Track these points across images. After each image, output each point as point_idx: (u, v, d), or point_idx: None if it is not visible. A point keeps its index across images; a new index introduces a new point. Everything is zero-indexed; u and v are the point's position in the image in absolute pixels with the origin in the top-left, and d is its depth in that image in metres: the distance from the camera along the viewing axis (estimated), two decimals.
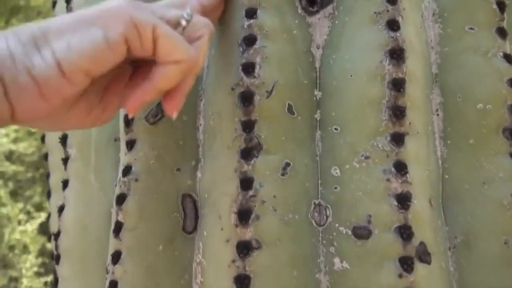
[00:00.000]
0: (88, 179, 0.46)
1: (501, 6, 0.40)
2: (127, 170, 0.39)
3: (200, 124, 0.40)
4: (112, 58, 0.28)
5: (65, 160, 0.47)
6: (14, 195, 2.09)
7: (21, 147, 2.06)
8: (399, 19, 0.36)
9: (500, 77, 0.39)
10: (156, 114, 0.40)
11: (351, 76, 0.36)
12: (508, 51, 0.40)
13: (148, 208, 0.39)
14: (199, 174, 0.39)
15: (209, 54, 0.39)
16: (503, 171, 0.38)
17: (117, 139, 0.45)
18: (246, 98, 0.35)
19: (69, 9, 0.47)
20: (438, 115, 0.39)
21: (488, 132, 0.38)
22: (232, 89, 0.36)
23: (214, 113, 0.38)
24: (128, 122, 0.40)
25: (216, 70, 0.38)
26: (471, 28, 0.40)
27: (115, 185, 0.44)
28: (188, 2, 0.33)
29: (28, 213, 1.98)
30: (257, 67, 0.36)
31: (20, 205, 1.94)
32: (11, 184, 2.05)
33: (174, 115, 0.32)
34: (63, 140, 0.47)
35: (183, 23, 0.30)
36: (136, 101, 0.30)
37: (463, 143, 0.39)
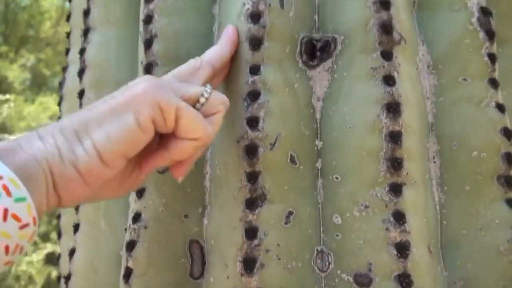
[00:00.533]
0: (98, 223, 0.48)
1: (492, 58, 0.42)
2: (136, 217, 0.41)
3: (207, 172, 0.42)
4: (143, 138, 0.31)
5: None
6: None
7: None
8: (395, 74, 0.38)
9: (493, 126, 0.40)
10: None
11: (350, 128, 0.38)
12: (501, 101, 0.42)
13: (157, 254, 0.40)
14: (205, 221, 0.41)
15: None
16: (499, 217, 0.39)
17: None
18: (251, 151, 0.37)
19: (81, 69, 0.50)
20: (435, 162, 0.41)
21: (483, 179, 0.40)
22: (238, 141, 0.38)
23: (220, 162, 0.40)
24: None
25: (222, 122, 0.40)
26: (465, 79, 0.42)
27: (124, 229, 0.45)
28: (202, 68, 0.36)
29: (34, 243, 1.98)
30: (261, 121, 0.38)
31: None
32: None
33: (180, 179, 0.35)
34: None
35: (202, 100, 0.33)
36: (150, 167, 0.34)
37: (460, 190, 0.40)
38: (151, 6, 0.44)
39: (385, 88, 0.38)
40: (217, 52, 0.38)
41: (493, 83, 0.42)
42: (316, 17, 0.43)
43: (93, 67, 0.49)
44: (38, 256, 1.86)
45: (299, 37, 0.41)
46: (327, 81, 0.41)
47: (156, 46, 0.43)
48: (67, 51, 0.60)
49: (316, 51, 0.41)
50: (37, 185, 0.27)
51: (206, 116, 0.33)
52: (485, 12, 0.43)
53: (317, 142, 0.40)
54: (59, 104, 0.59)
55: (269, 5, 0.40)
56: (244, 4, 0.40)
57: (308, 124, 0.40)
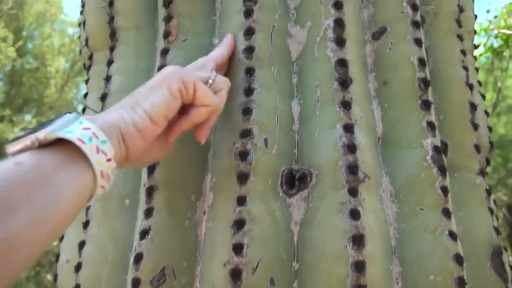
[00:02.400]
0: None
1: (445, 191, 0.49)
2: None
3: (197, 287, 0.47)
4: (175, 104, 0.43)
5: None
6: None
7: None
8: (360, 209, 0.45)
9: (446, 253, 0.47)
10: (160, 278, 0.47)
11: (322, 254, 0.44)
12: (454, 229, 0.48)
13: None
14: None
15: (206, 226, 0.48)
16: None
17: None
18: (235, 275, 0.43)
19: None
20: (398, 283, 0.47)
21: None
22: (224, 265, 0.44)
23: (209, 280, 0.45)
24: (135, 286, 0.47)
25: (211, 243, 0.46)
26: (422, 209, 0.49)
27: None
28: (208, 62, 0.49)
29: None
30: (245, 247, 0.44)
31: None
32: None
33: (203, 141, 0.47)
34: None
35: (210, 81, 0.47)
36: (177, 129, 0.46)
37: None
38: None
39: (351, 222, 0.44)
40: (219, 52, 0.51)
41: (446, 213, 0.48)
42: (295, 151, 0.50)
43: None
44: None
45: (281, 170, 0.48)
46: (303, 209, 0.47)
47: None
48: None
49: (295, 180, 0.49)
50: (111, 138, 0.38)
51: (214, 92, 0.46)
52: (437, 150, 0.51)
53: (294, 264, 0.46)
54: None
55: (255, 144, 0.47)
56: (234, 143, 0.48)
57: (287, 247, 0.46)
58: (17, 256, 0.29)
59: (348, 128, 0.48)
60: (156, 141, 0.44)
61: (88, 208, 0.56)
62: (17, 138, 0.35)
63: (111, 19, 0.64)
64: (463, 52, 0.61)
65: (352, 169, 0.46)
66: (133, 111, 0.41)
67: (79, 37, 0.75)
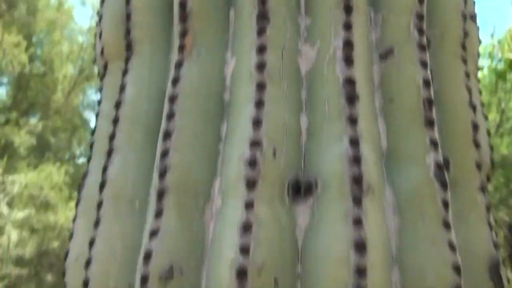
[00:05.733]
0: None
1: (445, 204, 0.51)
2: None
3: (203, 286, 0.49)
4: None
5: None
6: None
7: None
8: (363, 218, 0.47)
9: (445, 262, 0.48)
10: (168, 276, 0.49)
11: (325, 259, 0.46)
12: (453, 240, 0.50)
13: None
14: None
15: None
16: None
17: None
18: (241, 275, 0.45)
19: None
20: None
21: None
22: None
23: (215, 279, 0.47)
24: (144, 282, 0.49)
25: (219, 245, 0.48)
26: (422, 221, 0.50)
27: None
28: None
29: None
30: (251, 249, 0.46)
31: None
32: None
33: None
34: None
35: None
36: None
37: None
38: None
39: (354, 230, 0.46)
40: None
41: (446, 225, 0.50)
42: (302, 162, 0.52)
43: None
44: None
45: (287, 179, 0.51)
46: (308, 216, 0.49)
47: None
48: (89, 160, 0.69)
49: (301, 189, 0.51)
50: None
51: None
52: (439, 166, 0.53)
53: (298, 268, 0.48)
54: (76, 204, 0.67)
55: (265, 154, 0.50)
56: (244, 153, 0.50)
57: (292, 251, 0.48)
58: None
59: (354, 142, 0.50)
60: None
61: (99, 208, 0.58)
62: None
63: (127, 32, 0.66)
64: (467, 75, 0.63)
65: (357, 180, 0.48)
66: None
67: (93, 46, 0.77)
